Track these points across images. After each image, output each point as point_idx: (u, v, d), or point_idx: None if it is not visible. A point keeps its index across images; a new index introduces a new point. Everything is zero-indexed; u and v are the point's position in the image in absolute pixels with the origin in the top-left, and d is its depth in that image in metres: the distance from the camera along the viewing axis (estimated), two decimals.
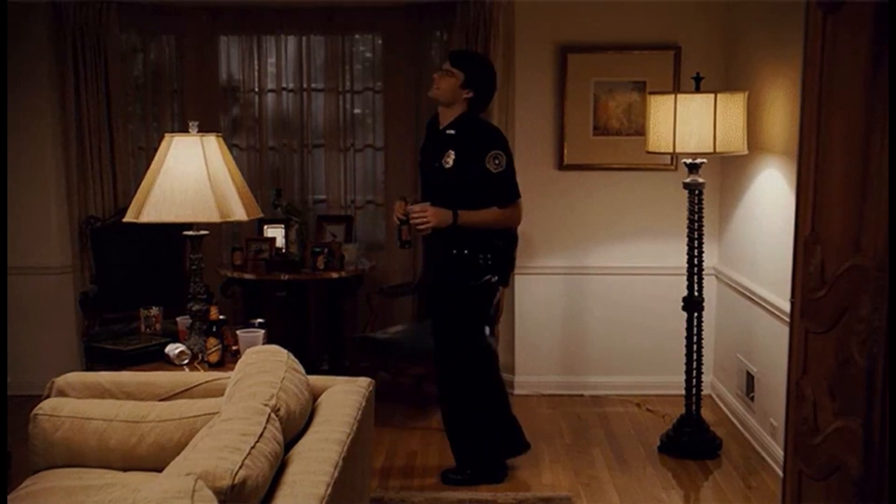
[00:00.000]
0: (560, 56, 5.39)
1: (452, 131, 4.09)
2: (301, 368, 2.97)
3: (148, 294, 4.86)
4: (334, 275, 5.25)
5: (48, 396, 3.26)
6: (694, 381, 4.64)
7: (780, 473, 3.55)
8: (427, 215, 4.02)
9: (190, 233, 3.84)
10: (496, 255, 4.13)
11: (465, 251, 4.08)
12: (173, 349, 3.79)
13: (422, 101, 5.65)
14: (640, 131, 5.16)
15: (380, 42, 5.80)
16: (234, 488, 2.09)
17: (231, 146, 5.60)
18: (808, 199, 2.80)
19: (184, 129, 4.02)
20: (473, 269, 4.10)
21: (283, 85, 5.80)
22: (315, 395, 2.98)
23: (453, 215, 4.02)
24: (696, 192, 4.51)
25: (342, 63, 5.77)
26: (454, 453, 4.30)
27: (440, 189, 4.10)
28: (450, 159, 4.05)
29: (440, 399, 4.37)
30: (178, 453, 2.61)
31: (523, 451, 4.40)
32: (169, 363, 3.77)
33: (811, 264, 2.75)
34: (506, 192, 4.09)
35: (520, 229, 5.35)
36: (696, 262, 4.57)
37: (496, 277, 4.18)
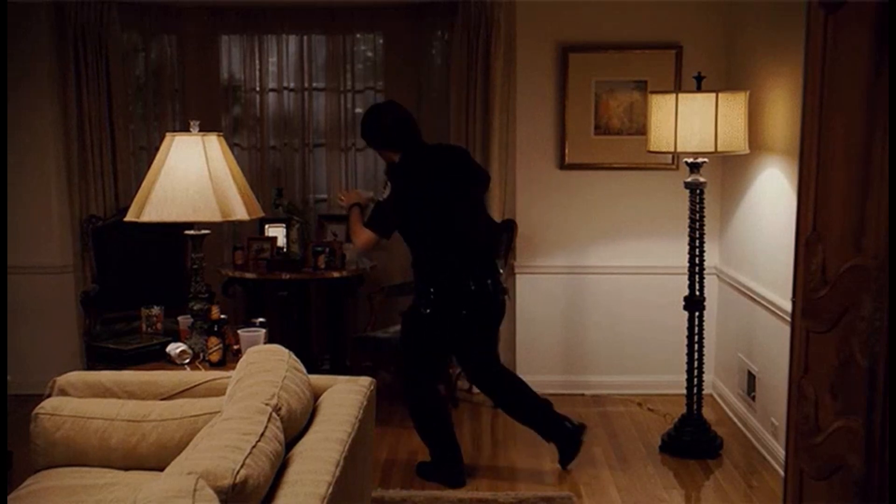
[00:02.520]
0: (561, 55, 5.39)
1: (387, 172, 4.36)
2: (302, 368, 2.97)
3: (149, 293, 4.87)
4: (335, 274, 5.25)
5: (49, 396, 3.26)
6: (695, 380, 4.64)
7: (782, 473, 3.55)
8: (348, 194, 4.45)
9: (191, 232, 3.84)
10: (439, 287, 4.15)
11: (419, 277, 4.23)
12: (174, 348, 3.79)
13: (423, 100, 5.66)
14: (642, 131, 5.16)
15: (381, 41, 5.80)
16: (235, 487, 2.09)
17: (232, 145, 5.60)
18: (810, 199, 2.80)
19: (185, 129, 4.02)
20: (426, 297, 4.17)
21: (285, 84, 5.80)
22: (316, 395, 2.98)
23: (350, 207, 4.33)
24: (698, 191, 4.51)
25: (343, 62, 5.77)
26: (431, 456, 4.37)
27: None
28: (386, 192, 4.24)
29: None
30: (180, 452, 2.61)
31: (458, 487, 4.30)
32: (170, 362, 3.77)
33: (812, 264, 2.75)
34: (374, 218, 4.24)
35: (520, 229, 5.40)
36: (697, 261, 4.57)
37: (428, 310, 4.16)
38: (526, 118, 5.44)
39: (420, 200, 4.15)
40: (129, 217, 3.75)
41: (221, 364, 3.72)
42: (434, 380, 4.40)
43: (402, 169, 4.21)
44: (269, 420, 2.45)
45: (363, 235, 4.22)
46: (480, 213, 4.44)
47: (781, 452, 3.81)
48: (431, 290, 4.15)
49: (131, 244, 5.26)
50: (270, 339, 3.73)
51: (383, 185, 4.36)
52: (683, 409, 4.70)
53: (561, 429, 4.37)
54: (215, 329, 3.75)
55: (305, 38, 5.78)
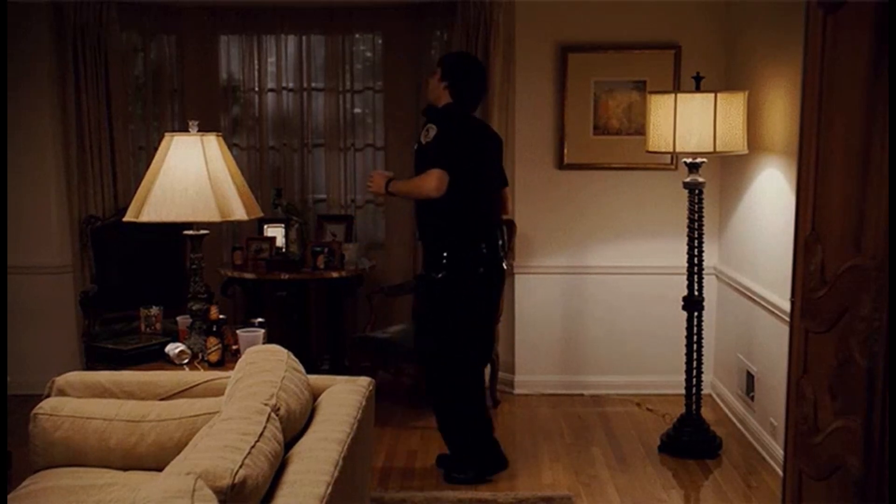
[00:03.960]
0: (560, 55, 5.39)
1: (425, 116, 4.21)
2: (301, 368, 2.97)
3: (148, 293, 4.86)
4: (334, 274, 5.25)
5: (48, 396, 3.26)
6: (694, 380, 4.64)
7: (781, 473, 3.55)
8: (372, 179, 4.23)
9: (190, 232, 3.84)
10: (453, 250, 4.11)
11: (427, 247, 4.18)
12: (173, 348, 3.79)
13: (422, 100, 5.65)
14: (641, 131, 5.16)
15: (380, 41, 5.80)
16: (234, 488, 2.09)
17: (231, 146, 5.60)
18: (809, 199, 2.80)
19: (184, 129, 4.02)
20: (437, 261, 4.12)
21: (284, 84, 5.80)
22: (315, 395, 2.98)
23: (387, 183, 4.14)
24: (697, 191, 4.51)
25: (342, 62, 5.77)
26: (451, 451, 4.31)
27: (415, 167, 4.18)
28: (431, 133, 4.07)
29: (428, 397, 4.41)
30: (179, 453, 2.60)
31: (501, 469, 4.35)
32: (169, 363, 3.77)
33: (811, 264, 2.75)
34: (430, 160, 4.02)
35: (520, 229, 5.40)
36: (696, 261, 4.57)
37: (440, 274, 4.12)
38: (525, 118, 5.44)
39: (466, 150, 4.09)
40: (128, 217, 3.75)
41: (220, 364, 3.72)
42: (478, 358, 4.36)
43: (457, 116, 4.14)
44: (267, 420, 2.45)
45: (432, 177, 3.94)
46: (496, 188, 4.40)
47: (780, 452, 3.82)
48: (445, 254, 4.09)
49: (130, 244, 5.25)
50: (269, 340, 3.73)
51: (422, 127, 4.16)
52: (682, 410, 4.70)
53: (492, 450, 4.34)
54: (214, 329, 3.75)
55: (304, 38, 5.78)
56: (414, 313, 4.45)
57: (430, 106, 4.23)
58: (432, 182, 3.95)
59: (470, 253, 4.14)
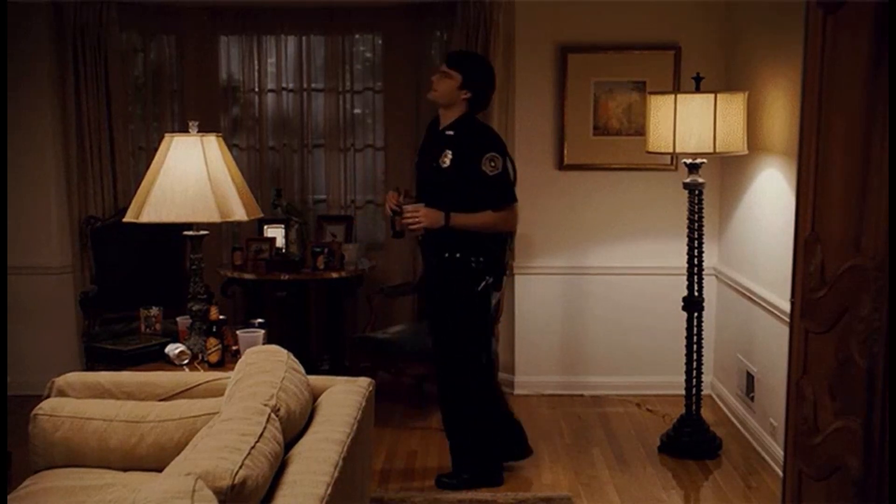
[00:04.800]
0: (560, 56, 5.39)
1: (451, 132, 4.06)
2: (301, 368, 2.97)
3: (148, 294, 4.87)
4: (334, 275, 5.25)
5: (48, 396, 3.26)
6: (694, 381, 4.64)
7: (780, 473, 3.55)
8: (419, 216, 3.99)
9: (190, 233, 3.84)
10: (488, 257, 4.07)
11: (457, 254, 4.04)
12: (173, 349, 3.79)
13: (422, 101, 5.65)
14: (640, 131, 5.16)
15: (380, 42, 5.81)
16: (234, 488, 2.09)
17: (231, 146, 5.60)
18: (809, 199, 2.80)
19: (184, 129, 4.02)
20: (467, 273, 4.05)
21: (284, 85, 5.80)
22: (315, 395, 2.98)
23: (445, 217, 3.98)
24: (696, 192, 4.51)
25: (342, 63, 5.77)
26: (452, 456, 4.29)
27: (435, 189, 4.07)
28: (447, 159, 4.01)
29: (439, 400, 4.35)
30: (178, 453, 2.60)
31: (525, 457, 4.39)
32: (169, 363, 3.77)
33: (811, 264, 2.75)
34: (500, 194, 4.03)
35: (520, 230, 5.37)
36: (696, 262, 4.57)
37: (491, 279, 4.12)
38: (525, 118, 5.44)
39: (508, 166, 4.10)
40: (127, 217, 3.75)
41: (220, 365, 3.72)
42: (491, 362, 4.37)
43: (497, 139, 4.12)
44: (267, 421, 2.45)
45: (514, 213, 4.06)
46: None
47: (780, 453, 3.82)
48: (479, 259, 4.04)
49: (130, 245, 5.25)
50: (269, 340, 3.73)
51: (440, 149, 4.03)
52: (682, 410, 4.70)
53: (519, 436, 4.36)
54: (214, 330, 3.75)
55: (304, 38, 5.79)
56: (426, 317, 4.38)
57: (465, 122, 4.06)
58: (514, 218, 4.11)
59: (500, 259, 4.16)
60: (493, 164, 3.98)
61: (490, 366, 4.36)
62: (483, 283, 4.07)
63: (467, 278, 4.06)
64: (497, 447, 4.30)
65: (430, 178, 4.11)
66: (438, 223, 3.98)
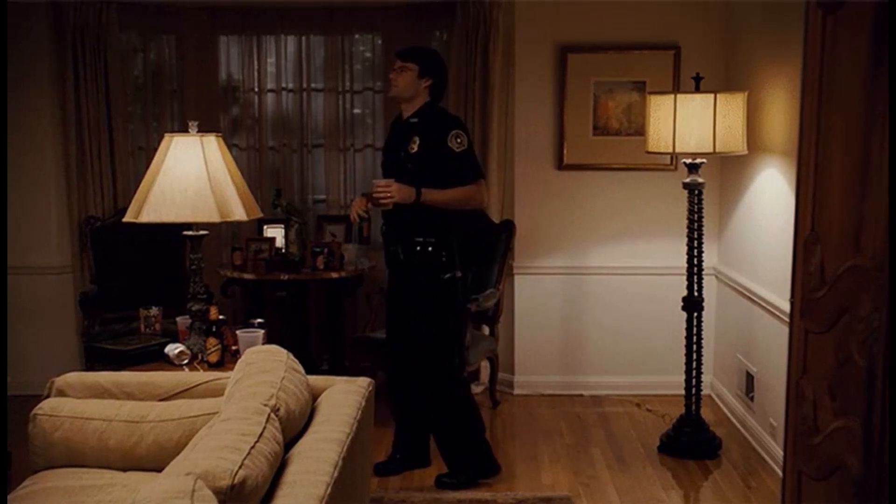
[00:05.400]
0: (560, 56, 5.39)
1: (415, 119, 4.11)
2: (301, 368, 2.97)
3: (148, 294, 4.86)
4: (334, 275, 5.25)
5: (48, 396, 3.25)
6: (694, 380, 4.64)
7: (780, 473, 3.55)
8: (391, 190, 3.99)
9: (190, 233, 3.84)
10: (454, 250, 4.11)
11: (429, 248, 4.07)
12: (173, 349, 3.79)
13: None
14: (640, 131, 5.16)
15: (379, 42, 5.80)
16: (233, 488, 2.09)
17: (231, 146, 5.60)
18: (808, 199, 2.80)
19: (183, 129, 4.01)
20: (438, 265, 4.08)
21: (283, 85, 5.80)
22: (315, 395, 2.98)
23: (416, 193, 4.00)
24: (696, 191, 4.51)
25: (342, 63, 5.77)
26: (444, 457, 4.28)
27: (403, 175, 4.07)
28: (415, 145, 4.05)
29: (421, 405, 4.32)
30: (178, 453, 2.60)
31: (495, 474, 4.34)
32: (169, 363, 3.77)
33: (811, 264, 2.75)
34: (468, 169, 4.08)
35: (519, 229, 5.39)
36: (695, 262, 4.57)
37: (459, 273, 4.15)
38: (524, 118, 5.43)
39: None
40: (127, 217, 3.75)
41: (220, 365, 3.72)
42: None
43: (459, 120, 4.19)
44: (267, 421, 2.45)
45: (482, 187, 4.08)
46: None
47: (780, 453, 3.82)
48: (451, 251, 4.09)
49: (130, 245, 5.25)
50: (269, 340, 3.73)
51: (407, 137, 4.06)
52: (682, 410, 4.70)
53: (418, 449, 4.38)
54: (214, 330, 3.75)
55: (304, 38, 5.78)
56: (396, 321, 4.36)
57: (428, 109, 4.12)
58: (483, 193, 4.11)
59: (456, 251, 4.16)
60: (458, 140, 4.03)
61: (462, 368, 4.37)
62: (450, 275, 4.10)
63: (438, 270, 4.09)
64: (482, 434, 4.32)
65: (397, 167, 4.12)
66: (410, 198, 3.99)
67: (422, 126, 4.09)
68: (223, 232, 5.76)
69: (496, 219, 5.39)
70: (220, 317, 3.81)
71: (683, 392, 4.67)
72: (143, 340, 4.59)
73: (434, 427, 4.30)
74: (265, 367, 2.84)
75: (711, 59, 5.25)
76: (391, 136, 4.30)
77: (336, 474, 2.38)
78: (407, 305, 4.19)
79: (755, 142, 4.61)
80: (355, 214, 4.18)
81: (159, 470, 2.46)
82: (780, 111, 4.36)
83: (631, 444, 4.80)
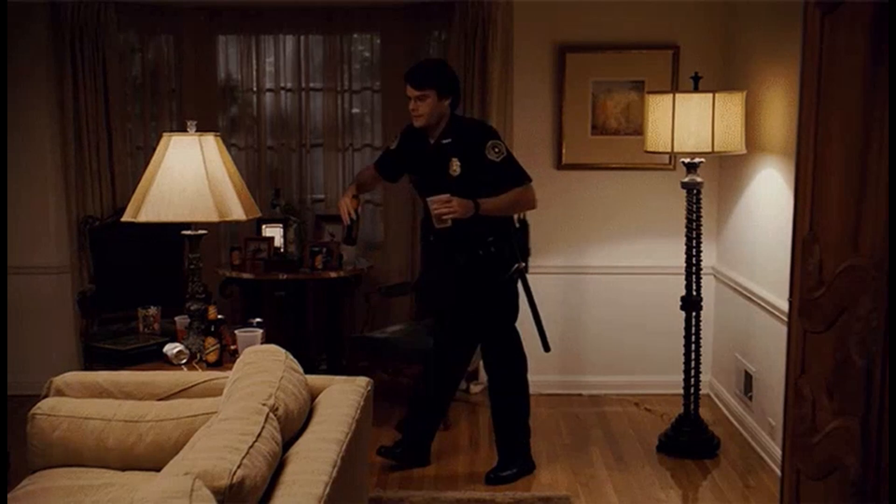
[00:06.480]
0: (558, 56, 5.39)
1: (447, 140, 4.10)
2: (299, 368, 2.97)
3: (146, 294, 4.86)
4: (333, 274, 5.25)
5: (46, 396, 3.25)
6: (692, 380, 4.65)
7: (779, 473, 3.55)
8: (453, 205, 3.96)
9: (188, 232, 3.84)
10: (517, 239, 4.18)
11: (492, 248, 4.11)
12: (171, 349, 3.79)
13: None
14: (639, 131, 5.16)
15: (378, 42, 5.80)
16: (232, 488, 2.09)
17: (229, 146, 5.60)
18: (807, 199, 2.80)
19: (182, 129, 4.02)
20: (501, 262, 4.13)
21: (282, 84, 5.79)
22: (313, 395, 2.98)
23: (475, 204, 3.99)
24: (695, 191, 4.51)
25: (340, 62, 5.77)
26: (501, 450, 4.37)
27: (451, 194, 4.05)
28: (456, 167, 4.06)
29: (493, 400, 4.44)
30: (177, 453, 2.61)
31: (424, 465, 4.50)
32: (167, 363, 3.77)
33: (809, 264, 2.75)
34: (516, 173, 4.10)
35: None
36: (694, 261, 4.57)
37: (523, 263, 4.21)
38: (523, 118, 5.43)
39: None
40: (126, 217, 3.75)
41: (218, 364, 3.72)
42: None
43: (489, 127, 4.21)
44: (266, 420, 2.45)
45: (532, 190, 4.11)
46: None
47: (778, 452, 3.82)
48: (512, 244, 4.16)
49: (128, 244, 5.24)
50: (267, 340, 3.73)
51: (444, 160, 4.06)
52: (681, 409, 4.70)
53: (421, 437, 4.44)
54: (212, 329, 3.75)
55: (303, 38, 5.78)
56: (427, 316, 4.43)
57: (455, 126, 4.11)
58: (532, 194, 4.13)
59: (525, 244, 4.31)
60: (496, 149, 4.05)
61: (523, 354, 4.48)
62: (515, 267, 4.15)
63: (500, 268, 4.15)
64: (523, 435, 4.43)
65: (441, 189, 4.07)
66: (470, 211, 3.99)
67: (457, 146, 4.08)
68: (222, 231, 5.75)
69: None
70: (219, 316, 3.81)
71: (682, 391, 4.68)
72: (141, 340, 4.59)
73: (501, 415, 4.39)
74: (264, 366, 2.84)
75: (710, 59, 5.25)
76: (420, 157, 4.23)
77: (335, 474, 2.38)
78: (470, 306, 4.23)
79: (754, 141, 4.61)
80: (347, 216, 4.18)
81: (158, 470, 2.46)
82: (779, 111, 4.36)
83: (630, 443, 4.80)
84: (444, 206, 3.97)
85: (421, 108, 4.07)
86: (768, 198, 4.54)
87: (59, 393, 3.26)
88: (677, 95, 4.34)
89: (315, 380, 3.12)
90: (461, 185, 4.04)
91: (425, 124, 4.11)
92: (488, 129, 4.20)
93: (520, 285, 4.25)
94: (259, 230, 5.54)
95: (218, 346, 3.75)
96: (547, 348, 4.38)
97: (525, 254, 4.26)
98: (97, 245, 5.39)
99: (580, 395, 5.58)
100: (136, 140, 5.76)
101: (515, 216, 4.26)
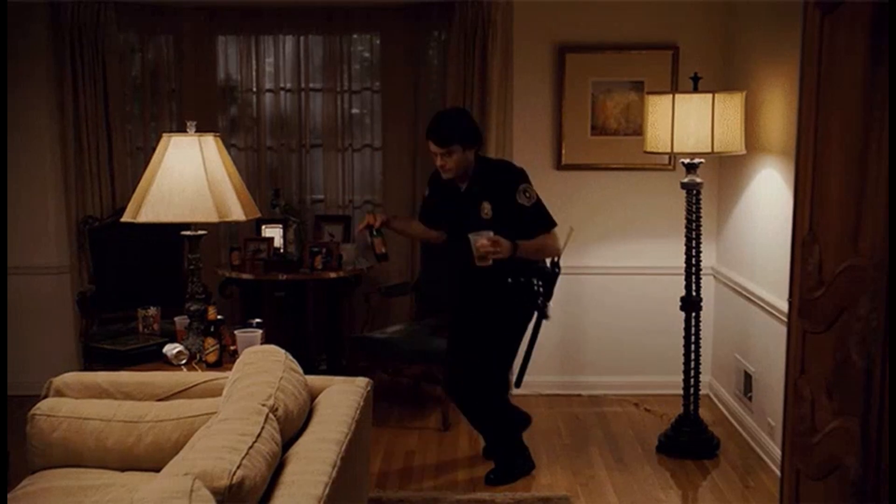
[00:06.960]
0: (558, 56, 5.39)
1: (477, 187, 4.12)
2: (299, 368, 2.97)
3: (146, 294, 4.86)
4: (332, 275, 5.25)
5: (46, 396, 3.25)
6: (692, 380, 4.65)
7: (778, 473, 3.55)
8: (500, 246, 3.95)
9: (188, 233, 3.84)
10: (546, 280, 4.23)
11: (521, 278, 4.15)
12: (171, 349, 3.79)
13: (420, 101, 5.66)
14: (638, 131, 5.17)
15: (378, 42, 5.80)
16: (231, 488, 2.09)
17: (229, 146, 5.60)
18: (806, 199, 2.80)
19: (182, 129, 4.02)
20: (529, 295, 4.18)
21: (282, 85, 5.79)
22: (313, 395, 2.98)
23: (513, 246, 4.00)
24: (694, 191, 4.51)
25: (340, 63, 5.77)
26: (495, 456, 4.42)
27: (508, 224, 4.07)
28: (487, 210, 4.08)
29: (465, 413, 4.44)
30: (176, 453, 2.61)
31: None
32: (167, 363, 3.77)
33: (809, 264, 2.75)
34: (545, 219, 4.14)
35: None
36: (694, 261, 4.57)
37: (546, 300, 4.25)
38: (523, 118, 5.43)
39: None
40: (125, 218, 3.75)
41: (218, 365, 3.72)
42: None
43: (516, 169, 4.20)
44: (265, 421, 2.45)
45: (554, 236, 4.14)
46: None
47: (778, 452, 3.82)
48: (539, 282, 4.20)
49: (128, 245, 5.25)
50: (267, 340, 3.73)
51: (475, 204, 4.08)
52: (680, 410, 4.70)
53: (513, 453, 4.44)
54: (212, 330, 3.75)
55: (302, 38, 5.78)
56: (452, 332, 4.45)
57: (482, 171, 4.13)
58: (557, 240, 4.16)
59: (553, 281, 4.31)
60: (527, 194, 4.08)
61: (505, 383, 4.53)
62: (540, 300, 4.21)
63: (527, 300, 4.20)
64: (519, 434, 4.47)
65: (476, 228, 4.05)
66: (510, 252, 4.00)
67: (487, 190, 4.10)
68: (221, 232, 5.75)
69: None
70: (219, 317, 3.81)
71: (682, 392, 4.68)
72: (141, 340, 4.59)
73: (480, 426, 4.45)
74: (263, 367, 2.84)
75: (710, 59, 5.25)
76: (451, 202, 4.23)
77: (335, 474, 2.38)
78: (482, 331, 4.24)
79: (753, 142, 4.61)
80: (369, 232, 4.16)
81: (157, 470, 2.46)
82: (779, 111, 4.36)
83: (629, 444, 4.80)
84: (494, 248, 3.95)
85: (448, 164, 4.07)
86: (768, 198, 4.54)
87: (59, 393, 3.26)
88: (677, 96, 4.34)
89: (315, 380, 3.12)
90: (493, 227, 4.05)
91: (454, 177, 4.13)
92: (518, 172, 4.18)
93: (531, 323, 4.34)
94: (259, 230, 5.55)
95: (217, 346, 3.75)
96: (517, 384, 4.52)
97: (548, 297, 4.27)
98: (97, 245, 5.39)
99: (580, 395, 5.58)
100: (136, 140, 5.76)
101: (548, 260, 4.29)
